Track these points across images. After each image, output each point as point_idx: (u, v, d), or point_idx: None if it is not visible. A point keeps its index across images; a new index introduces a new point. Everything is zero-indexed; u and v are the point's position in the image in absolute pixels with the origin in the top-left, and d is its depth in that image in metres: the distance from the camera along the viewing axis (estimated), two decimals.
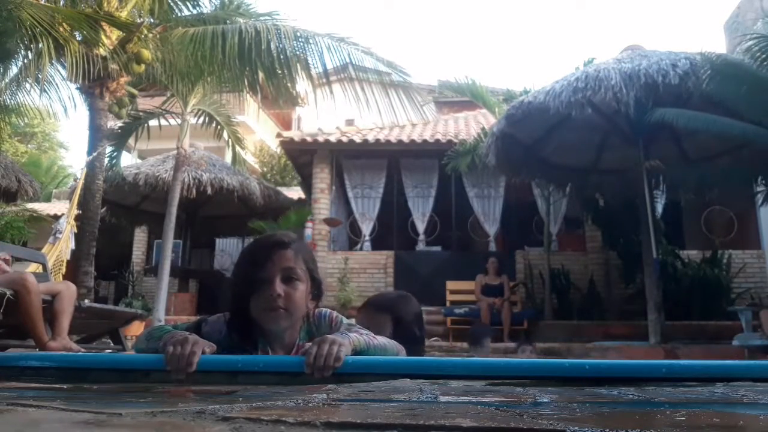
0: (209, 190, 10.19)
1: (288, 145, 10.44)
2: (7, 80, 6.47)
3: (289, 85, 6.39)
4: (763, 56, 5.64)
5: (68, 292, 3.41)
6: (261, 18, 6.83)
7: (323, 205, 10.10)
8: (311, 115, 11.61)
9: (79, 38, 5.99)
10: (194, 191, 10.01)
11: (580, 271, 9.34)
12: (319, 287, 1.55)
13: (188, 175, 9.94)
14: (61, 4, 6.15)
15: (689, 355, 6.02)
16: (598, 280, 9.10)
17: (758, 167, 6.56)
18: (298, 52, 6.24)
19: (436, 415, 0.80)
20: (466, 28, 71.70)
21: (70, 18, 5.75)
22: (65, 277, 5.54)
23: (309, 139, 10.10)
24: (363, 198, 10.29)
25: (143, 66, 6.20)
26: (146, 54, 6.09)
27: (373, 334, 1.47)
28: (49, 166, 21.24)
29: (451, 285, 9.06)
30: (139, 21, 6.30)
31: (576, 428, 0.68)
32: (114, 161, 9.62)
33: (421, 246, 10.06)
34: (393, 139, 9.91)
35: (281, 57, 6.17)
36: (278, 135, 10.78)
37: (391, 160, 10.16)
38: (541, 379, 1.23)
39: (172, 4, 6.61)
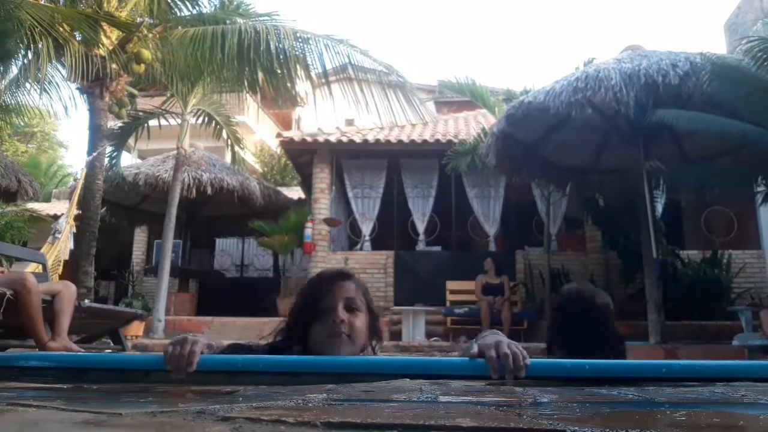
0: (209, 190, 10.19)
1: (288, 145, 10.44)
2: (7, 80, 6.48)
3: (288, 85, 6.39)
4: (764, 56, 5.63)
5: (68, 292, 3.41)
6: (260, 18, 6.84)
7: (323, 205, 10.10)
8: (311, 115, 11.62)
9: (78, 38, 5.99)
10: (194, 191, 10.01)
11: (580, 271, 9.34)
12: (376, 321, 1.59)
13: (188, 175, 9.94)
14: (61, 4, 6.16)
15: (689, 355, 6.02)
16: (598, 280, 9.10)
17: (758, 167, 6.56)
18: (297, 53, 6.25)
19: (436, 415, 0.80)
20: (466, 28, 71.73)
21: (69, 18, 5.76)
22: (65, 276, 5.53)
23: (309, 139, 10.10)
24: (363, 198, 10.29)
25: (143, 66, 6.21)
26: (146, 54, 6.09)
27: None
28: (49, 166, 21.23)
29: (451, 285, 9.06)
30: (138, 21, 6.31)
31: (576, 428, 0.68)
32: (114, 161, 9.63)
33: (421, 246, 10.06)
34: (393, 139, 9.91)
35: (281, 57, 6.18)
36: (278, 135, 10.78)
37: (391, 160, 10.16)
38: (541, 379, 1.22)
39: (171, 3, 6.61)
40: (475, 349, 1.23)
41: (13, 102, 6.78)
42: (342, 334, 1.44)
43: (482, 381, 1.21)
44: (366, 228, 10.16)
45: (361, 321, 1.49)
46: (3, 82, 6.47)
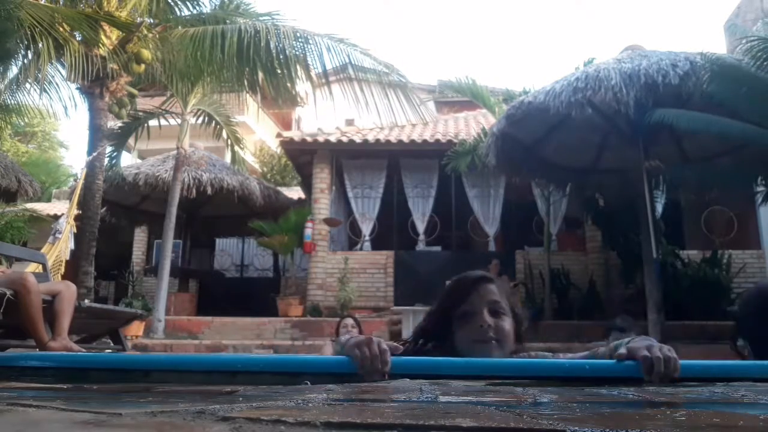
0: (209, 190, 10.20)
1: (288, 145, 10.45)
2: (7, 80, 6.48)
3: (288, 85, 6.39)
4: (764, 56, 5.63)
5: (68, 292, 3.41)
6: (260, 18, 6.84)
7: (323, 205, 10.10)
8: (311, 115, 11.63)
9: (78, 38, 6.00)
10: (194, 191, 10.02)
11: (580, 271, 9.34)
12: (520, 325, 1.56)
13: (188, 175, 9.94)
14: (61, 4, 6.16)
15: (689, 355, 6.00)
16: (598, 280, 9.10)
17: (758, 167, 6.55)
18: (297, 52, 6.25)
19: (436, 415, 0.80)
20: (466, 28, 71.73)
21: (69, 18, 5.76)
22: (64, 277, 5.53)
23: (309, 139, 10.10)
24: (363, 198, 10.29)
25: (143, 66, 6.21)
26: (146, 54, 6.09)
27: None
28: (49, 166, 21.23)
29: None
30: (138, 21, 6.31)
31: (576, 428, 0.68)
32: (114, 161, 9.64)
33: (421, 246, 10.06)
34: (393, 139, 9.92)
35: (281, 57, 6.18)
36: (278, 135, 10.79)
37: (391, 160, 10.16)
38: (541, 379, 1.22)
39: (171, 3, 6.61)
40: (623, 350, 1.24)
41: (13, 102, 6.79)
42: (491, 340, 1.44)
43: (482, 381, 1.21)
44: (366, 228, 10.16)
45: (508, 324, 1.48)
46: (3, 82, 6.47)
